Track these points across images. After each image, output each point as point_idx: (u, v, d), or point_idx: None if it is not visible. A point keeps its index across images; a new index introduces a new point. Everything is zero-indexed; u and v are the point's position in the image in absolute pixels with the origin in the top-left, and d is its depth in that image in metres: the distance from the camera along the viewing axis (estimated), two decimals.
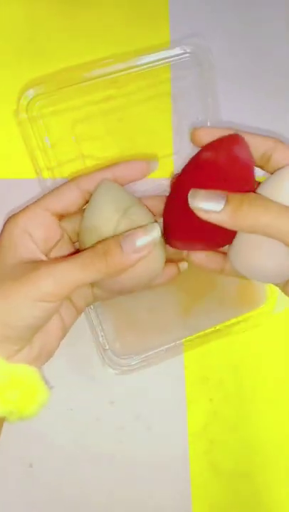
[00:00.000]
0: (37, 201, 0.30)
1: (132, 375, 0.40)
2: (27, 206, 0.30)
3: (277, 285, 0.33)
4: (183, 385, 0.42)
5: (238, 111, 0.47)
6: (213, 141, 0.29)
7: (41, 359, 0.31)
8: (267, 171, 0.30)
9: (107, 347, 0.40)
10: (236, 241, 0.30)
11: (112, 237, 0.28)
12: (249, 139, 0.29)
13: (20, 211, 0.30)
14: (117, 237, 0.28)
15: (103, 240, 0.28)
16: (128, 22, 0.48)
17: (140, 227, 0.29)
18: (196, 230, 0.29)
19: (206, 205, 0.27)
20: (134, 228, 0.29)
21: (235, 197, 0.27)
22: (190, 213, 0.27)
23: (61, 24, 0.47)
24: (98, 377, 0.42)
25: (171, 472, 0.41)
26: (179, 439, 0.41)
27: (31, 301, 0.27)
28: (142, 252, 0.28)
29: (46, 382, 0.30)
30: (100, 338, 0.40)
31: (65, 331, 0.32)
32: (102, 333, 0.40)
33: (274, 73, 0.49)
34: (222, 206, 0.27)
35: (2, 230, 0.30)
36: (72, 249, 0.33)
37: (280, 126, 0.48)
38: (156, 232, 0.28)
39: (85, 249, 0.28)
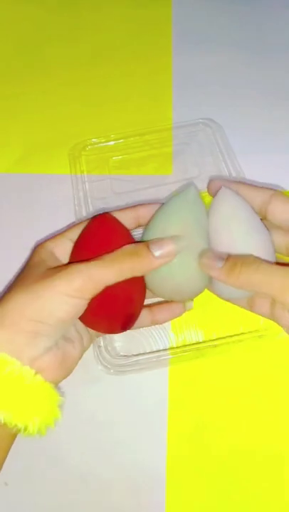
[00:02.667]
0: (63, 232, 0.35)
1: (124, 376, 0.40)
2: (54, 236, 0.35)
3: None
4: (166, 391, 0.41)
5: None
6: (87, 225, 0.34)
7: (64, 366, 0.32)
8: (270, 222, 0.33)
9: (101, 344, 0.40)
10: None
11: (141, 241, 0.32)
12: (245, 191, 0.33)
13: (48, 239, 0.35)
14: (146, 242, 0.31)
15: (132, 244, 0.31)
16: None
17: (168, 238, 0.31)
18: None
19: (210, 264, 0.31)
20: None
21: (232, 258, 0.30)
22: None
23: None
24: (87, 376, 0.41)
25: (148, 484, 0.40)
26: (158, 444, 0.40)
27: (63, 295, 0.29)
28: (166, 258, 0.30)
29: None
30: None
31: (82, 347, 0.35)
32: None
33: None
34: (222, 264, 0.30)
35: (30, 255, 0.34)
36: None
37: None
38: (182, 242, 0.31)
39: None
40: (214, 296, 0.36)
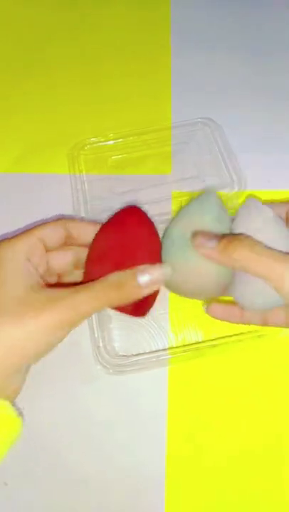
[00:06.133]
0: (31, 230, 0.32)
1: (123, 376, 0.40)
2: (21, 233, 0.31)
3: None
4: (165, 391, 0.41)
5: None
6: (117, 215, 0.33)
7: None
8: None
9: (100, 344, 0.40)
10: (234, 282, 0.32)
11: (127, 270, 0.30)
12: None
13: (15, 237, 0.31)
14: (133, 271, 0.29)
15: (117, 273, 0.30)
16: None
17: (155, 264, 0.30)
18: None
19: (203, 242, 0.30)
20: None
21: (227, 237, 0.30)
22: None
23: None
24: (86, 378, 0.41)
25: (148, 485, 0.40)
26: (158, 444, 0.40)
27: (49, 328, 0.27)
28: (154, 287, 0.30)
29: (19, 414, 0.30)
30: (96, 334, 0.40)
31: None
32: (99, 330, 0.40)
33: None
34: (215, 244, 0.29)
35: None
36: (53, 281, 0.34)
37: None
38: (169, 270, 0.30)
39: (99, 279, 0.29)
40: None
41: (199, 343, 0.41)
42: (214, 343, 0.40)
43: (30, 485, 0.40)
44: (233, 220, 0.33)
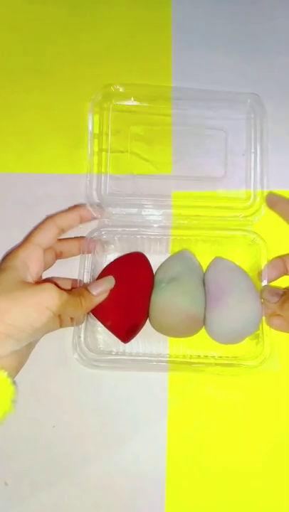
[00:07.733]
0: (31, 238, 0.39)
1: (98, 371, 0.40)
2: (24, 244, 0.39)
3: None
4: (166, 392, 0.42)
5: None
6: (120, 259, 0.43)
7: (17, 369, 0.35)
8: None
9: (81, 336, 0.39)
10: None
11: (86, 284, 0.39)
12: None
13: (19, 247, 0.39)
14: (86, 285, 0.39)
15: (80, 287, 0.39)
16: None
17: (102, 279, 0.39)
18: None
19: (269, 297, 0.39)
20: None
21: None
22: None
23: None
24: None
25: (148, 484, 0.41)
26: (158, 450, 0.41)
27: (44, 308, 0.33)
28: (102, 296, 0.38)
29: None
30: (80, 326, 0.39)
31: (33, 348, 0.38)
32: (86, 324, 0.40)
33: None
34: (277, 299, 0.38)
35: (4, 260, 0.39)
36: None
37: None
38: (112, 282, 0.39)
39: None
40: None
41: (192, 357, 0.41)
42: (209, 361, 0.41)
43: (30, 485, 0.41)
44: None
